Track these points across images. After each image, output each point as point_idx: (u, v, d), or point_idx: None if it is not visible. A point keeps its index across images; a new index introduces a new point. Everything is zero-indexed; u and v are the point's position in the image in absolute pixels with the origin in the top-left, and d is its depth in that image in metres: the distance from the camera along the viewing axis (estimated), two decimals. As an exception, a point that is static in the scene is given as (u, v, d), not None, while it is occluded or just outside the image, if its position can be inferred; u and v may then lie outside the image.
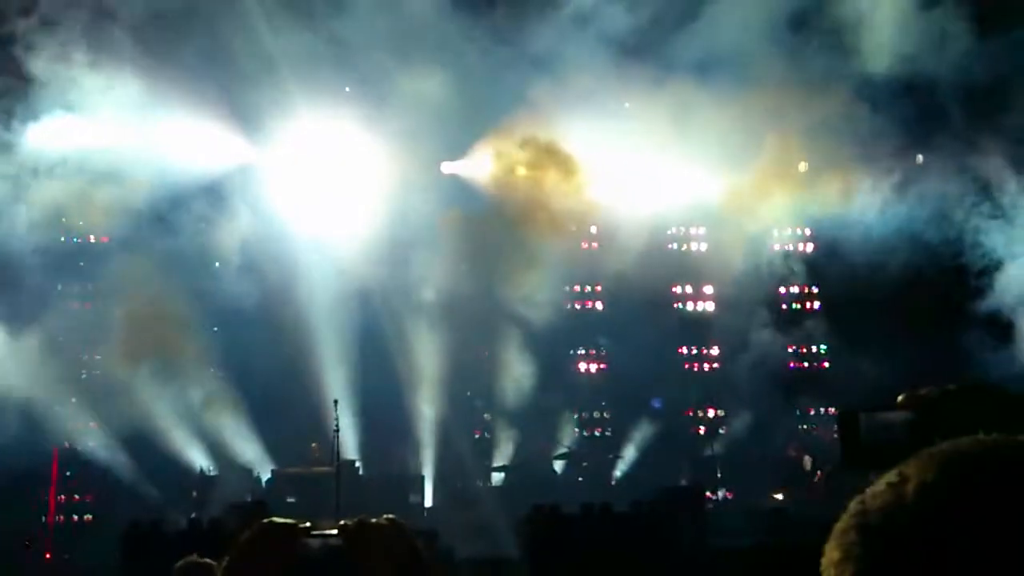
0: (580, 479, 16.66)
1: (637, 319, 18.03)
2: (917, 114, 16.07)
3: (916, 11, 15.84)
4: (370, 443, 17.54)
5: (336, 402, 13.72)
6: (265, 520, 2.83)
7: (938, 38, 15.45)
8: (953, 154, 16.47)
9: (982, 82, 15.38)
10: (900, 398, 1.97)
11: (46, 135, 15.32)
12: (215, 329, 17.43)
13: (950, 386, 1.92)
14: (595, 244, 19.41)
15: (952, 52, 15.35)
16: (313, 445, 16.23)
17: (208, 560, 3.50)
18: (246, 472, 15.67)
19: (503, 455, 17.58)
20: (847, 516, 0.92)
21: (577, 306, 19.66)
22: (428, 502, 15.97)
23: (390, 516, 2.92)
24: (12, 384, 14.45)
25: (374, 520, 2.85)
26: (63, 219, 16.51)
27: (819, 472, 14.55)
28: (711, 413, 19.16)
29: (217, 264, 17.48)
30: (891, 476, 0.91)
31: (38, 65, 14.70)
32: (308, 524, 2.89)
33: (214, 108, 16.01)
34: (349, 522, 2.81)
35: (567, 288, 19.46)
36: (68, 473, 16.50)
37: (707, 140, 16.68)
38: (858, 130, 16.28)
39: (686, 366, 19.45)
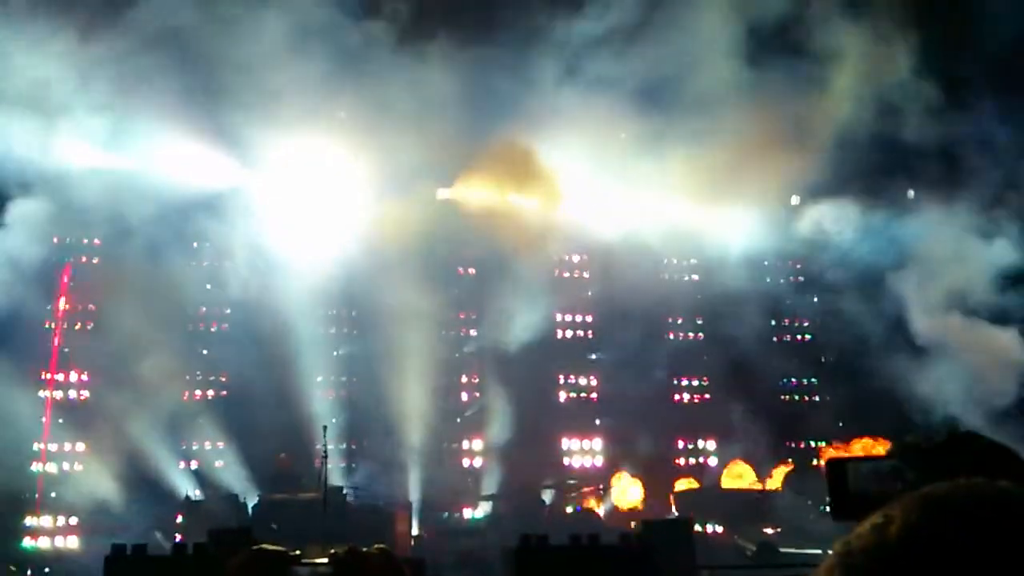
0: (568, 509, 16.57)
1: (627, 348, 18.07)
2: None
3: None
4: (357, 469, 17.47)
5: (325, 428, 13.65)
6: (255, 547, 2.81)
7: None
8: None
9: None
10: (890, 447, 2.00)
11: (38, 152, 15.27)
12: (203, 352, 17.34)
13: (937, 435, 1.96)
14: (582, 273, 19.55)
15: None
16: (281, 455, 16.12)
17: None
18: (231, 498, 15.51)
19: (491, 484, 17.48)
20: (832, 556, 0.93)
21: (567, 334, 19.71)
22: (415, 530, 15.82)
23: (380, 546, 2.90)
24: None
25: (364, 550, 2.83)
26: (54, 238, 16.51)
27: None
28: (700, 444, 19.17)
29: (208, 286, 17.47)
30: (876, 518, 0.92)
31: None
32: (298, 552, 2.87)
33: (211, 133, 16.06)
34: (340, 551, 2.79)
35: (557, 317, 19.52)
36: (52, 495, 16.34)
37: (691, 172, 16.87)
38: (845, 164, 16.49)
39: (676, 397, 19.44)
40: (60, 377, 17.31)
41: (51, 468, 16.59)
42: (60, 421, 16.31)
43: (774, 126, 15.69)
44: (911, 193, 17.99)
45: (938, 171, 16.39)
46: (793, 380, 19.74)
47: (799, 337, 19.84)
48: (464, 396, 18.82)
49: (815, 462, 17.50)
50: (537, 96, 16.07)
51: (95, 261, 17.53)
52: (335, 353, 17.45)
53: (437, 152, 16.79)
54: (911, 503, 0.92)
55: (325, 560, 2.86)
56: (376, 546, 2.91)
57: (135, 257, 15.69)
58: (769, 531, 14.79)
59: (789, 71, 15.81)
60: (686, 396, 19.60)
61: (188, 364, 17.18)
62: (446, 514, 17.36)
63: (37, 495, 16.22)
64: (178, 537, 13.21)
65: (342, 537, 13.07)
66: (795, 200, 18.15)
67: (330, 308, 17.81)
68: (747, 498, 16.21)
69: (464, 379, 18.98)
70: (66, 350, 17.07)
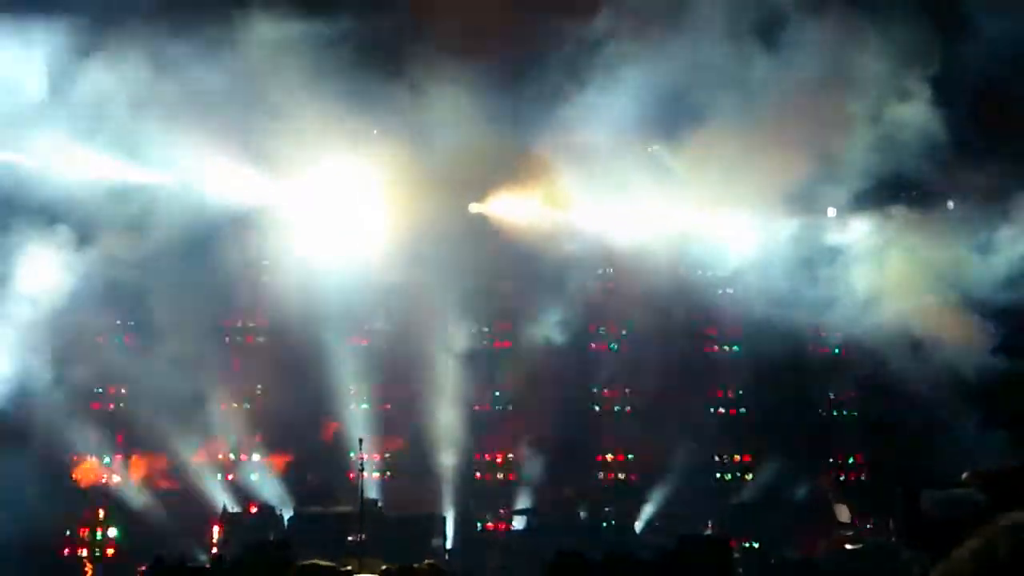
0: (605, 524, 16.45)
1: (661, 361, 17.96)
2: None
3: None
4: (393, 483, 17.50)
5: (361, 441, 13.67)
6: (305, 563, 2.82)
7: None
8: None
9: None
10: (964, 475, 1.97)
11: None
12: (241, 365, 17.51)
13: (1014, 463, 1.92)
14: (616, 285, 19.44)
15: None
16: (308, 477, 16.23)
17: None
18: (268, 511, 15.62)
19: (526, 498, 17.41)
20: None
21: (601, 347, 19.62)
22: (450, 543, 15.81)
23: (431, 562, 2.91)
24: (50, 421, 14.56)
25: (416, 566, 2.83)
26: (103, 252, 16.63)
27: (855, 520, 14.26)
28: (737, 458, 18.93)
29: (244, 307, 17.67)
30: (975, 544, 0.91)
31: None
32: (348, 568, 2.88)
33: (245, 149, 16.19)
34: (391, 567, 2.80)
35: (591, 329, 19.45)
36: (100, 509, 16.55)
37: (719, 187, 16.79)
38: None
39: (712, 410, 19.22)
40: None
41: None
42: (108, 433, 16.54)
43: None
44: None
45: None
46: (831, 394, 19.42)
47: (835, 350, 19.51)
48: (498, 408, 18.79)
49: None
50: (567, 112, 15.97)
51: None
52: (373, 368, 17.50)
53: (469, 167, 16.83)
54: (1013, 529, 0.90)
55: (376, 576, 2.86)
56: (427, 562, 2.92)
57: (175, 271, 15.82)
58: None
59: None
60: (722, 409, 19.37)
61: (224, 377, 17.32)
62: (479, 526, 17.34)
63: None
64: (214, 550, 13.31)
65: (377, 549, 13.13)
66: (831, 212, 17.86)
67: (365, 322, 17.89)
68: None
69: (498, 392, 18.96)
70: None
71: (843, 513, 14.54)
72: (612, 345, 19.65)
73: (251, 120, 15.78)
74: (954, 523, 1.25)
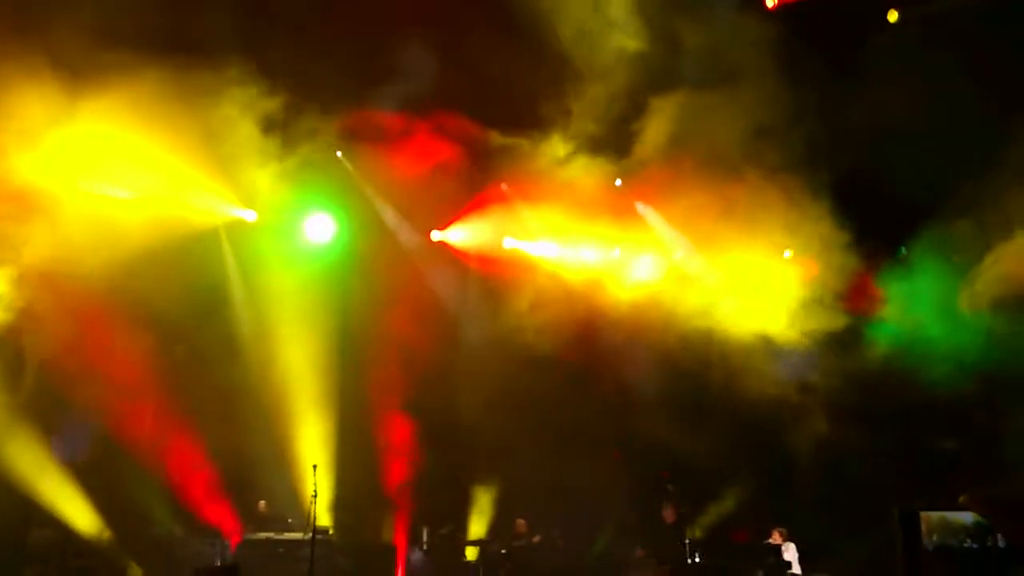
0: (556, 556, 16.38)
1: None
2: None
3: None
4: (344, 508, 17.23)
5: (315, 467, 13.49)
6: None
7: None
8: None
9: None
10: (961, 499, 1.96)
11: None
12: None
13: (1012, 487, 1.92)
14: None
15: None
16: (261, 503, 15.96)
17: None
18: (214, 536, 15.26)
19: (479, 529, 17.27)
20: None
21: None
22: (400, 574, 15.61)
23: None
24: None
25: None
26: None
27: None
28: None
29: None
30: None
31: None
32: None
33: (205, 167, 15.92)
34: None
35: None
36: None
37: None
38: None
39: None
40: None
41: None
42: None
43: None
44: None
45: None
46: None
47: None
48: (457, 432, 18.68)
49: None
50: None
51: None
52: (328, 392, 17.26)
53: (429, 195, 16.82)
54: None
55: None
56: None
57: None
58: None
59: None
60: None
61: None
62: (433, 558, 17.12)
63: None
64: None
65: (327, 579, 12.94)
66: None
67: (319, 342, 17.61)
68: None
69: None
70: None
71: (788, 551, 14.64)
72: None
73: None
74: (958, 548, 1.22)
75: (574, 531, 16.93)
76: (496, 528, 17.11)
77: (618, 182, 17.19)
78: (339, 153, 16.94)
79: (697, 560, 14.17)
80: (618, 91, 15.48)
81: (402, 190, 17.15)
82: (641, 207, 17.49)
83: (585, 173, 16.23)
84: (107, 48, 13.09)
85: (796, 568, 14.17)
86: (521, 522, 16.80)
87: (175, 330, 15.87)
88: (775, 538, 14.67)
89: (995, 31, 14.12)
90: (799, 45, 14.63)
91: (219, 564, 14.03)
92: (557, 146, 16.06)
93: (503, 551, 16.04)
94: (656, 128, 15.82)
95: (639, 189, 17.10)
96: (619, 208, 17.27)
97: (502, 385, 16.94)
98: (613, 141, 16.14)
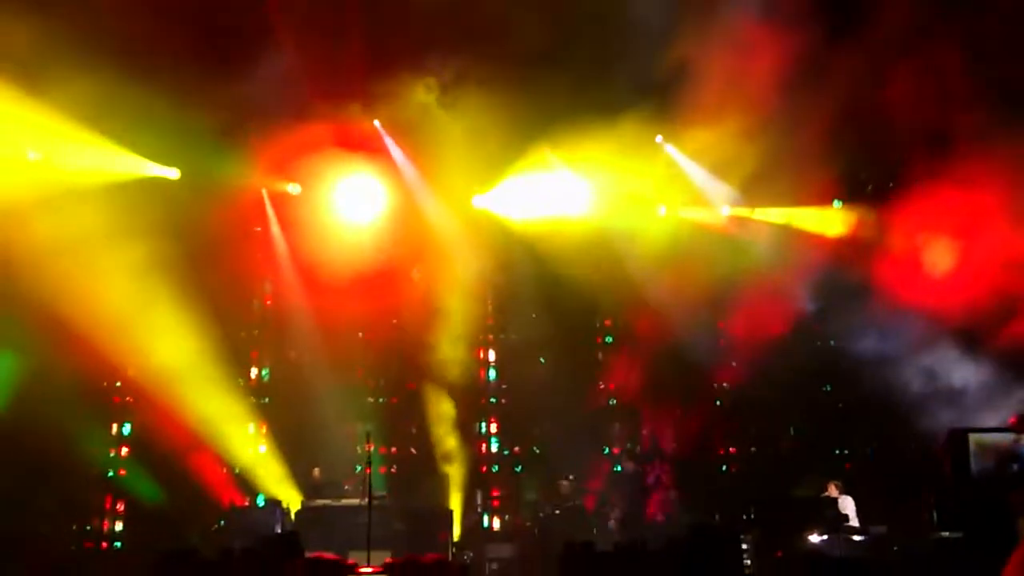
0: (613, 516, 16.42)
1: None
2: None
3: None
4: (399, 476, 17.50)
5: (368, 434, 13.63)
6: (310, 556, 2.76)
7: None
8: None
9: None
10: (1013, 419, 1.92)
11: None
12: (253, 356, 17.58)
13: None
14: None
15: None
16: (315, 470, 16.21)
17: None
18: (275, 504, 15.60)
19: (533, 490, 17.40)
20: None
21: (607, 340, 19.53)
22: (456, 537, 15.78)
23: (435, 555, 2.84)
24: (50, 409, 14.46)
25: (420, 559, 2.77)
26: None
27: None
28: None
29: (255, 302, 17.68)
30: None
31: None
32: (353, 561, 2.82)
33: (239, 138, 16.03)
34: (395, 559, 2.74)
35: (596, 324, 19.38)
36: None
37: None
38: None
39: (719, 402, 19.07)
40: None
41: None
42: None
43: None
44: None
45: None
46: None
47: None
48: (504, 401, 18.79)
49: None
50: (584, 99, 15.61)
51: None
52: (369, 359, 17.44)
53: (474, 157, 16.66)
54: None
55: (381, 569, 2.81)
56: (431, 555, 2.87)
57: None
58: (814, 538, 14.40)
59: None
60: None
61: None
62: (486, 519, 17.34)
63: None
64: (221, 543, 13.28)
65: (384, 543, 13.12)
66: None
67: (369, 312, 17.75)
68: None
69: (505, 385, 18.95)
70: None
71: (846, 505, 14.39)
72: (607, 338, 19.55)
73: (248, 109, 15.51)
74: (1004, 467, 1.18)
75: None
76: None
77: (659, 138, 16.95)
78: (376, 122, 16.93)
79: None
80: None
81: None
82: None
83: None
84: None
85: (854, 521, 14.01)
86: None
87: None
88: (831, 491, 14.49)
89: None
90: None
91: (279, 531, 14.33)
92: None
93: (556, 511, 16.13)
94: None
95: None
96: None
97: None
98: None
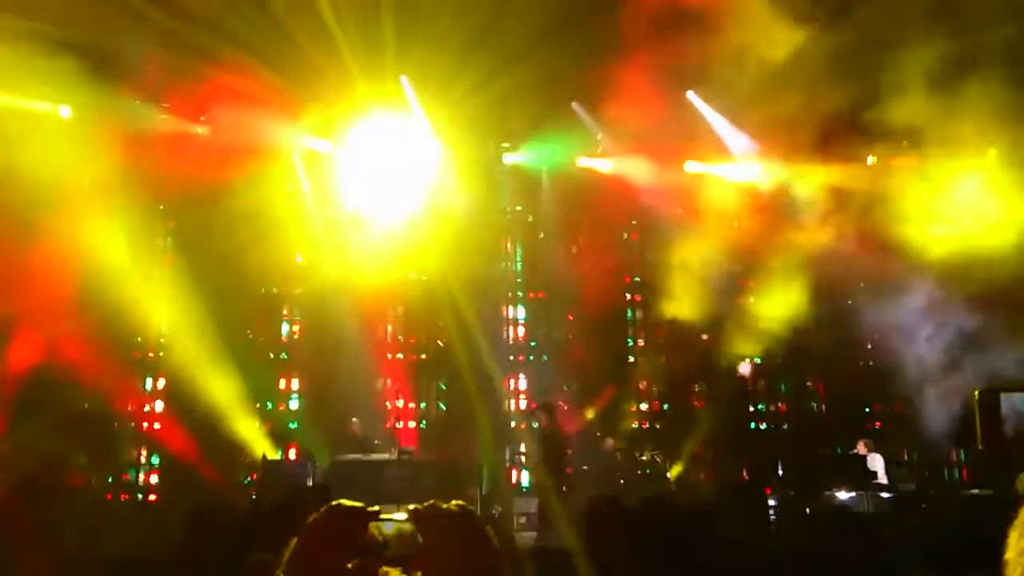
0: (639, 472, 16.44)
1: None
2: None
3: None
4: (427, 430, 17.64)
5: (397, 390, 13.72)
6: (334, 503, 2.78)
7: None
8: None
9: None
10: None
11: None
12: (284, 312, 17.70)
13: None
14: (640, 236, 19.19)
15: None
16: (353, 420, 16.32)
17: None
18: (307, 458, 15.81)
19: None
20: None
21: (632, 297, 19.48)
22: (485, 490, 15.91)
23: (459, 502, 2.84)
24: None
25: (444, 505, 2.77)
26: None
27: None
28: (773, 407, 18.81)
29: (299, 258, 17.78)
30: None
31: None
32: (376, 508, 2.83)
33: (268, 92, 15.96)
34: (420, 507, 2.74)
35: (623, 280, 19.31)
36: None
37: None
38: None
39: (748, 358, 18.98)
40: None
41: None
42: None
43: None
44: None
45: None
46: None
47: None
48: (531, 358, 18.81)
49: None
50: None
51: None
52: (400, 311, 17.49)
53: (502, 110, 16.50)
54: None
55: (404, 516, 2.82)
56: (455, 502, 2.86)
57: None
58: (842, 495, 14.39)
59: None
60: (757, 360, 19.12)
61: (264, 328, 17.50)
62: (515, 474, 17.47)
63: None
64: (253, 495, 13.52)
65: (413, 496, 13.23)
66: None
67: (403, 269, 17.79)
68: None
69: (534, 343, 18.98)
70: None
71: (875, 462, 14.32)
72: (635, 296, 19.47)
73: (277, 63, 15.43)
74: None
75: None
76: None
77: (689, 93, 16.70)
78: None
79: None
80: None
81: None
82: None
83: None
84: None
85: (882, 478, 13.96)
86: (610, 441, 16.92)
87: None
88: (860, 448, 14.44)
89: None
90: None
91: (311, 484, 14.52)
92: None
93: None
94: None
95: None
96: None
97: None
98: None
